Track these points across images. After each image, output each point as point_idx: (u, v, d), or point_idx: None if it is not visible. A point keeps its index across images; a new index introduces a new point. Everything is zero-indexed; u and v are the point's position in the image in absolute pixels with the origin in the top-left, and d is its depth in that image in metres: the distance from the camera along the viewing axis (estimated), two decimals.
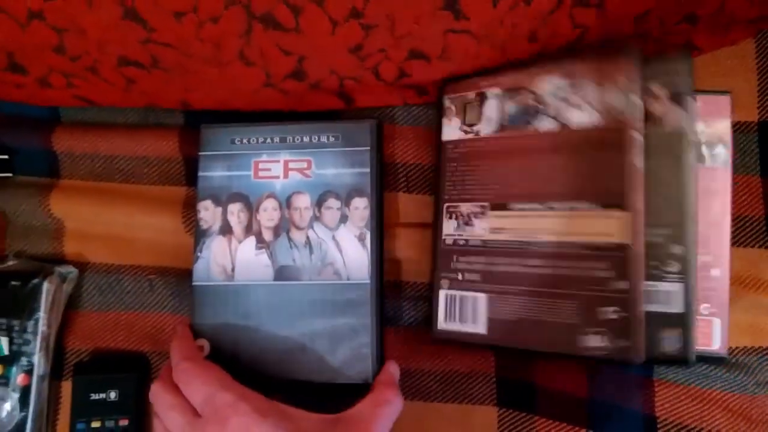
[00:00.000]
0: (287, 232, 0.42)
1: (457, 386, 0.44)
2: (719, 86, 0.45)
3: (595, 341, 0.36)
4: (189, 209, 0.45)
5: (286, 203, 0.43)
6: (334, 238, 0.42)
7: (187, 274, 0.43)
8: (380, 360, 0.42)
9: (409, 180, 0.46)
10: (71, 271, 0.44)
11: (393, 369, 0.41)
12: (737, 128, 0.45)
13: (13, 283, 0.42)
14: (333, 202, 0.43)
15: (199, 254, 0.42)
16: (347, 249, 0.42)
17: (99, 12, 0.35)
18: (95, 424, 0.41)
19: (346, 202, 0.43)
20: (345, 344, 0.41)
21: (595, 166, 0.37)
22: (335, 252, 0.42)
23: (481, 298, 0.40)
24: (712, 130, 0.42)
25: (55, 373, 0.43)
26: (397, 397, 0.38)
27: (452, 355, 0.44)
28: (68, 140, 0.46)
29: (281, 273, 0.42)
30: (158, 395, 0.36)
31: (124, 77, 0.40)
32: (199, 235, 0.42)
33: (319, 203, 0.43)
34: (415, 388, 0.44)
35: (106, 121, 0.47)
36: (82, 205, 0.45)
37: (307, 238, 0.42)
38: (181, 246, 0.44)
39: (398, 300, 0.45)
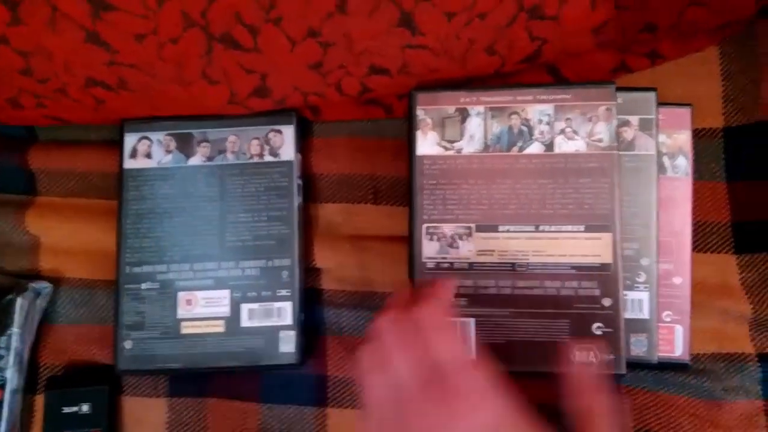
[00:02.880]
0: None
1: None
2: (684, 93, 0.45)
3: (583, 357, 0.38)
4: None
5: None
6: None
7: None
8: None
9: (378, 192, 0.46)
10: (45, 286, 0.44)
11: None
12: (702, 134, 0.45)
13: None
14: None
15: None
16: None
17: (62, 36, 0.36)
18: None
19: None
20: None
21: (582, 190, 0.40)
22: None
23: (470, 322, 0.40)
24: (673, 142, 0.43)
25: (29, 387, 0.44)
26: None
27: None
28: (44, 158, 0.47)
29: None
30: (390, 331, 0.30)
31: (93, 97, 0.41)
32: None
33: None
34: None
35: (81, 138, 0.48)
36: (58, 221, 0.46)
37: None
38: None
39: (369, 310, 0.45)
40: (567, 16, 0.38)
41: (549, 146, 0.40)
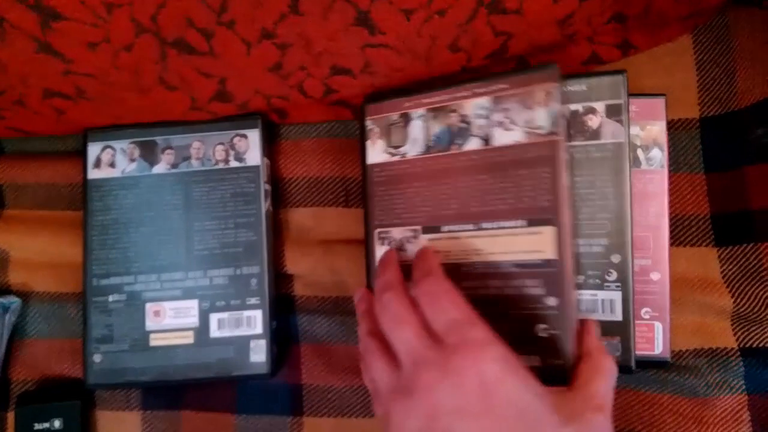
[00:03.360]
0: None
1: None
2: (659, 84, 0.44)
3: (528, 361, 0.35)
4: None
5: None
6: None
7: None
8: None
9: (349, 194, 0.46)
10: (14, 301, 0.44)
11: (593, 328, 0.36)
12: (679, 126, 0.45)
13: None
14: None
15: None
16: None
17: (13, 47, 0.35)
18: None
19: None
20: None
21: (521, 183, 0.37)
22: None
23: None
24: (647, 133, 0.42)
25: (0, 404, 0.43)
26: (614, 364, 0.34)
27: None
28: (11, 170, 0.46)
29: None
30: (389, 305, 0.32)
31: (52, 108, 0.41)
32: None
33: None
34: (361, 406, 0.44)
35: (47, 149, 0.47)
36: (26, 234, 0.46)
37: None
38: None
39: (344, 316, 0.45)
40: (530, 10, 0.37)
41: (487, 140, 0.38)
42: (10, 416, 0.43)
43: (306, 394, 0.44)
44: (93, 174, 0.43)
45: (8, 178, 0.47)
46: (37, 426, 0.42)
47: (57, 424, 0.42)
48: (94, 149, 0.44)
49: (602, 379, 0.32)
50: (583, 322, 0.35)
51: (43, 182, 0.46)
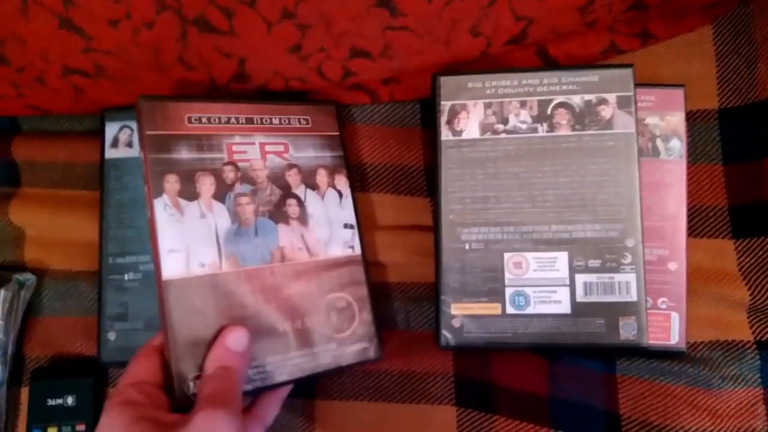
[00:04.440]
0: None
1: (415, 386, 0.43)
2: (678, 74, 0.44)
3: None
4: None
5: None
6: None
7: None
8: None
9: (365, 179, 0.45)
10: (29, 278, 0.44)
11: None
12: (697, 116, 0.44)
13: None
14: None
15: None
16: None
17: (35, 23, 0.35)
18: (52, 430, 0.41)
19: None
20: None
21: None
22: None
23: None
24: (666, 124, 0.42)
25: (14, 380, 0.43)
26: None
27: (410, 355, 0.44)
28: (27, 149, 0.47)
29: None
30: None
31: (71, 86, 0.41)
32: None
33: None
34: (374, 389, 0.44)
35: (64, 128, 0.48)
36: (42, 212, 0.46)
37: None
38: None
39: None
40: None
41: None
42: (24, 392, 0.44)
43: (319, 377, 0.44)
44: (110, 153, 0.43)
45: (25, 156, 0.47)
46: (50, 402, 0.42)
47: (70, 400, 0.42)
48: (111, 129, 0.44)
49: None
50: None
51: (59, 161, 0.47)
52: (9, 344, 0.43)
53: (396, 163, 0.46)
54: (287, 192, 0.40)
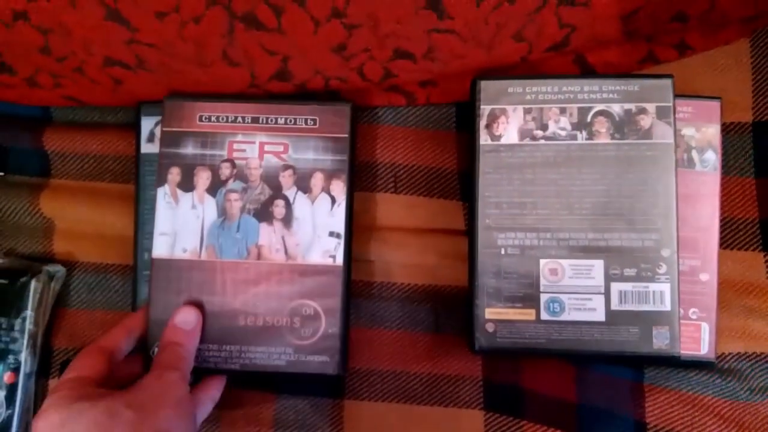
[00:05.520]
0: None
1: (444, 389, 0.43)
2: (713, 86, 0.44)
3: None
4: None
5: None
6: None
7: None
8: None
9: (398, 181, 0.45)
10: (59, 269, 0.44)
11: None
12: (731, 129, 0.44)
13: (1, 281, 0.42)
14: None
15: None
16: None
17: (82, 12, 0.35)
18: None
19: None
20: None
21: None
22: None
23: None
24: (702, 135, 0.42)
25: (42, 371, 0.43)
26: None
27: (439, 358, 0.44)
28: (59, 140, 0.46)
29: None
30: None
31: (110, 77, 0.41)
32: None
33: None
34: (402, 391, 0.44)
35: (96, 120, 0.47)
36: (72, 204, 0.46)
37: None
38: None
39: (388, 301, 0.45)
40: (598, 3, 0.37)
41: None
42: (52, 383, 0.43)
43: (347, 377, 0.44)
44: (146, 148, 0.43)
45: (56, 146, 0.46)
46: None
47: None
48: (147, 123, 0.44)
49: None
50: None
51: (91, 153, 0.46)
52: (38, 335, 0.42)
53: (429, 166, 0.46)
54: (277, 192, 0.40)
